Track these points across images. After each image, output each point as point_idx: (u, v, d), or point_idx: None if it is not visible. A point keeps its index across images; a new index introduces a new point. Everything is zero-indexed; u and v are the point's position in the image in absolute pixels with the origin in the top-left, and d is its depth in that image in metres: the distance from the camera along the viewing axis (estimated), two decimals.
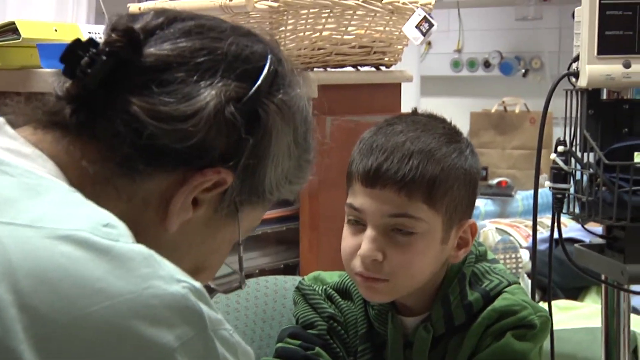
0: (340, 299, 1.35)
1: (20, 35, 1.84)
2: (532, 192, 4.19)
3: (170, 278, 0.69)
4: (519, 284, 1.33)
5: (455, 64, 5.38)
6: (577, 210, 1.59)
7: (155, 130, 0.77)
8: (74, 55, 0.78)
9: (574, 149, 1.59)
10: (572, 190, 1.59)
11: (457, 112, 4.82)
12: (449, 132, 1.26)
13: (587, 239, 1.71)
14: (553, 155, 1.60)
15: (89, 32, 1.99)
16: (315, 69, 1.77)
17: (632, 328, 2.97)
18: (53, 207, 0.71)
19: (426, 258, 1.22)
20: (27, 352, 0.62)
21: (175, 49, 0.81)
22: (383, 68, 1.93)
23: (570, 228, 3.77)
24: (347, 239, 1.24)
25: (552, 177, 1.60)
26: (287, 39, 1.67)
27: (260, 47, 0.85)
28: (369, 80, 1.85)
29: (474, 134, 4.88)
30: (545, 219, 4.01)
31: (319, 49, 1.74)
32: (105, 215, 0.72)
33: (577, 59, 1.53)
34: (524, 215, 3.93)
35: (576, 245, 1.62)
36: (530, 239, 3.37)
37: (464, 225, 1.26)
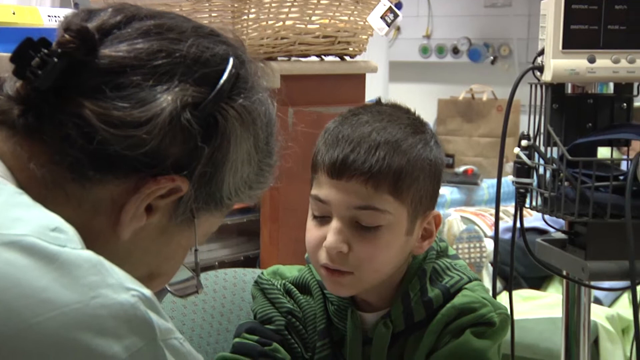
0: (299, 294, 1.33)
1: None
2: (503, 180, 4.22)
3: (119, 286, 0.67)
4: (480, 280, 1.32)
5: (424, 50, 5.38)
6: (539, 205, 1.58)
7: (107, 136, 0.75)
8: (24, 55, 0.75)
9: (537, 143, 1.58)
10: (535, 184, 1.59)
11: (424, 98, 4.82)
12: (414, 123, 1.25)
13: (552, 228, 1.70)
14: (517, 150, 1.59)
15: (49, 16, 1.95)
16: (278, 59, 1.74)
17: (593, 319, 3.00)
18: None
19: (391, 250, 1.21)
20: None
21: (132, 50, 0.78)
22: (347, 58, 1.90)
23: (535, 217, 3.78)
24: (312, 231, 1.23)
25: (516, 171, 1.60)
26: (249, 28, 1.64)
27: (222, 48, 0.82)
28: (333, 71, 1.82)
29: (441, 121, 4.88)
30: (511, 207, 4.01)
31: (282, 38, 1.71)
32: (54, 219, 0.70)
33: (542, 52, 1.52)
34: (489, 203, 3.94)
35: (538, 240, 1.62)
36: (494, 229, 3.38)
37: (429, 217, 1.25)
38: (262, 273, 1.36)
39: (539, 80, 1.55)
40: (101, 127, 0.74)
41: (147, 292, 0.69)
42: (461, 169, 4.07)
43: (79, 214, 0.77)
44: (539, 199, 1.57)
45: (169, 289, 0.89)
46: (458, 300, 1.26)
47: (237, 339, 1.31)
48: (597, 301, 3.12)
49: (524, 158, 1.57)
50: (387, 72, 5.13)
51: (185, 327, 1.35)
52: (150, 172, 0.77)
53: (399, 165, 1.18)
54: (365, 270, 1.21)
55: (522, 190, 1.59)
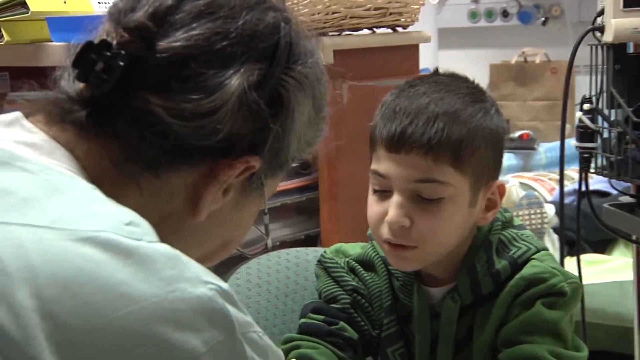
0: (363, 271, 1.32)
1: (29, 9, 1.80)
2: (555, 144, 4.13)
3: (196, 280, 0.66)
4: (547, 250, 1.29)
5: (473, 15, 5.29)
6: (604, 169, 1.54)
7: (180, 130, 0.74)
8: (87, 59, 0.74)
9: (600, 105, 1.54)
10: (599, 148, 1.55)
11: (476, 64, 4.75)
12: (473, 92, 1.22)
13: (615, 191, 1.66)
14: (579, 114, 1.55)
15: (99, 2, 1.94)
16: (329, 34, 1.72)
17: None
18: (73, 205, 0.68)
19: (454, 222, 1.19)
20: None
21: (190, 38, 0.76)
22: (399, 29, 1.87)
23: (596, 180, 3.71)
24: (374, 206, 1.21)
25: (579, 136, 1.56)
26: (300, 5, 1.61)
27: (272, 16, 0.81)
28: (385, 43, 1.79)
29: (494, 86, 4.80)
30: (570, 171, 3.95)
31: (333, 13, 1.69)
32: (127, 213, 0.70)
33: (601, 12, 1.48)
34: (547, 167, 3.87)
35: (605, 205, 1.58)
36: (555, 193, 3.32)
37: (492, 187, 1.22)
38: (324, 252, 1.35)
39: (599, 41, 1.50)
40: (173, 122, 0.74)
41: (225, 285, 0.68)
42: (517, 134, 4.00)
43: (152, 202, 0.77)
44: (604, 162, 1.53)
45: (240, 249, 0.90)
46: (527, 271, 1.23)
47: (303, 320, 1.30)
48: None
49: (587, 122, 1.54)
50: (437, 40, 5.07)
51: (250, 310, 1.35)
52: (225, 157, 0.77)
53: (459, 135, 1.16)
54: (429, 244, 1.19)
55: (586, 155, 1.56)
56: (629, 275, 2.84)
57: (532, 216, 3.10)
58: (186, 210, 0.78)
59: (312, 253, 1.47)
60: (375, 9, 1.80)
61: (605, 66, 1.52)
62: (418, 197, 1.17)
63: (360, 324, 1.30)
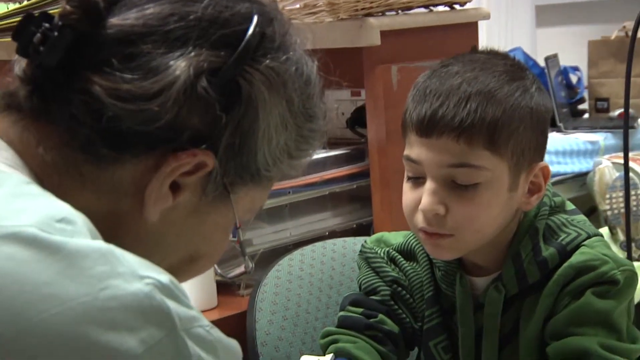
0: (404, 261, 1.26)
1: None
2: None
3: (131, 275, 0.62)
4: (601, 235, 1.20)
5: None
6: None
7: (117, 111, 0.69)
8: (26, 31, 0.71)
9: None
10: None
11: (573, 41, 4.57)
12: (511, 69, 1.14)
13: None
14: None
15: None
16: (377, 15, 1.65)
17: None
18: (1, 201, 0.64)
19: (493, 209, 1.12)
20: None
21: (141, 17, 0.72)
22: (457, 7, 1.78)
23: None
24: (407, 194, 1.15)
25: None
26: None
27: (245, 6, 0.75)
28: (439, 22, 1.71)
29: (593, 63, 4.60)
30: None
31: None
32: (62, 209, 0.65)
33: None
34: None
35: None
36: None
37: (535, 169, 1.15)
38: (365, 241, 1.30)
39: None
40: (110, 102, 0.69)
41: (165, 278, 0.64)
42: (616, 112, 3.82)
43: (99, 197, 0.72)
44: None
45: (218, 271, 0.84)
46: (576, 258, 1.15)
47: (342, 313, 1.26)
48: None
49: None
50: (534, 18, 4.90)
51: (290, 303, 1.31)
52: (169, 148, 0.72)
53: (494, 116, 1.09)
54: (466, 232, 1.12)
55: None
56: None
57: None
58: (137, 210, 0.73)
59: (360, 242, 1.41)
60: None
61: None
62: (452, 183, 1.11)
63: (401, 316, 1.24)
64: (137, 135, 0.71)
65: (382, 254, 1.27)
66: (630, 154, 3.52)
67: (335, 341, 1.23)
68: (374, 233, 1.62)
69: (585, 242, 1.17)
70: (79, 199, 0.69)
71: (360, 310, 1.24)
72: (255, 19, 0.74)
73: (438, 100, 1.10)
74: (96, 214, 0.68)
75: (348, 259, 1.39)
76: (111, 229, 0.69)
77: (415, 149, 1.12)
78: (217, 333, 0.65)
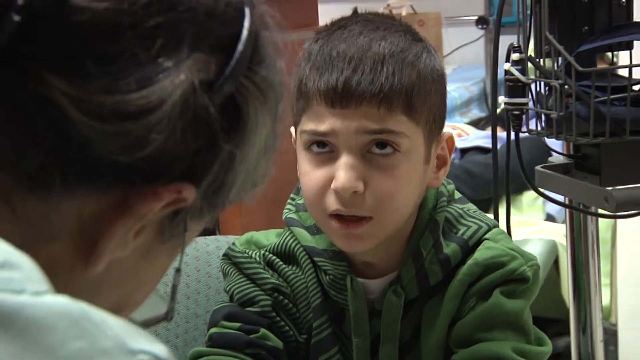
0: (283, 265, 1.09)
1: None
2: None
3: (119, 350, 0.43)
4: (499, 226, 1.10)
5: None
6: (539, 128, 1.36)
7: (90, 133, 0.48)
8: None
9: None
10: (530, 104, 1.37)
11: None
12: (409, 29, 1.04)
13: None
14: (507, 65, 1.36)
15: None
16: None
17: (551, 237, 2.84)
18: None
19: (412, 183, 1.00)
20: None
21: (123, 0, 0.50)
22: None
23: (474, 136, 3.60)
24: (312, 173, 0.99)
25: (508, 90, 1.37)
26: None
27: None
28: None
29: None
30: (462, 125, 3.82)
31: None
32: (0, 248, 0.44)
33: None
34: None
35: (538, 167, 1.40)
36: None
37: (442, 140, 1.04)
38: (233, 244, 1.11)
39: None
40: (81, 120, 0.47)
41: (161, 349, 0.44)
42: None
43: (24, 236, 0.50)
44: (538, 121, 1.35)
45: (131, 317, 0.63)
46: (481, 254, 1.04)
47: (214, 329, 1.06)
48: (550, 218, 2.98)
49: (517, 74, 1.35)
50: None
51: None
52: (150, 182, 0.51)
53: (410, 79, 0.97)
54: (387, 211, 0.98)
55: (517, 112, 1.37)
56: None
57: None
58: (76, 254, 0.52)
59: (213, 243, 1.23)
60: None
61: (535, 8, 1.33)
62: (369, 154, 0.97)
63: (284, 329, 1.07)
64: (111, 167, 0.49)
65: (257, 258, 1.09)
66: None
67: None
68: (220, 231, 1.43)
69: (487, 235, 1.06)
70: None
71: (238, 325, 1.05)
72: (247, 13, 0.55)
73: (350, 65, 0.96)
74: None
75: (202, 262, 1.19)
76: None
77: (325, 121, 0.97)
78: None
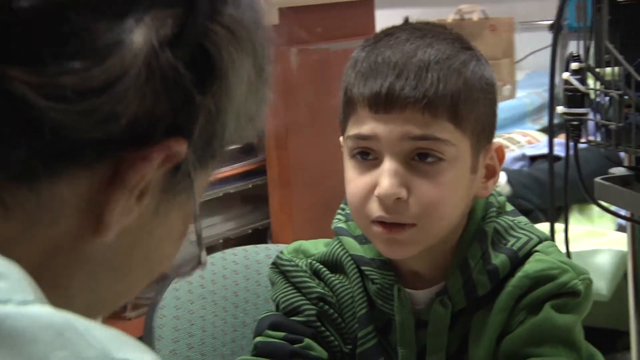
0: (330, 274, 1.09)
1: None
2: (508, 102, 3.95)
3: (104, 359, 0.42)
4: (550, 239, 1.08)
5: None
6: (598, 139, 1.34)
7: (59, 117, 0.48)
8: None
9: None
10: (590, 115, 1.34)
11: None
12: (458, 37, 1.04)
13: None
14: (566, 75, 1.34)
15: None
16: None
17: (622, 248, 2.77)
18: None
19: (457, 192, 0.99)
20: None
21: None
22: None
23: (545, 143, 3.54)
24: (356, 180, 0.99)
25: (567, 100, 1.35)
26: None
27: None
28: None
29: None
30: (515, 134, 3.76)
31: None
32: None
33: None
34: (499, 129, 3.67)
35: (597, 179, 1.37)
36: (505, 160, 3.14)
37: (490, 150, 1.03)
38: (281, 252, 1.11)
39: None
40: (47, 106, 0.47)
41: (150, 359, 0.44)
42: None
43: (27, 230, 0.50)
44: (597, 132, 1.33)
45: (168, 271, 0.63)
46: (531, 267, 1.02)
47: (259, 338, 1.06)
48: (622, 229, 2.91)
49: (576, 84, 1.32)
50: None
51: (194, 328, 1.10)
52: (136, 147, 0.51)
53: (456, 86, 0.97)
54: (431, 219, 0.97)
55: (575, 123, 1.35)
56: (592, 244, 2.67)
57: None
58: (85, 229, 0.52)
59: (264, 251, 1.23)
60: None
61: (595, 17, 1.30)
62: (414, 161, 0.97)
63: (329, 339, 1.06)
64: (90, 144, 0.49)
65: (303, 267, 1.09)
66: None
67: None
68: (272, 238, 1.43)
69: (537, 248, 1.04)
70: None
71: (282, 334, 1.05)
72: None
73: (394, 70, 0.96)
74: (23, 253, 0.48)
75: (252, 271, 1.20)
76: (48, 267, 0.50)
77: (368, 125, 0.97)
78: None
